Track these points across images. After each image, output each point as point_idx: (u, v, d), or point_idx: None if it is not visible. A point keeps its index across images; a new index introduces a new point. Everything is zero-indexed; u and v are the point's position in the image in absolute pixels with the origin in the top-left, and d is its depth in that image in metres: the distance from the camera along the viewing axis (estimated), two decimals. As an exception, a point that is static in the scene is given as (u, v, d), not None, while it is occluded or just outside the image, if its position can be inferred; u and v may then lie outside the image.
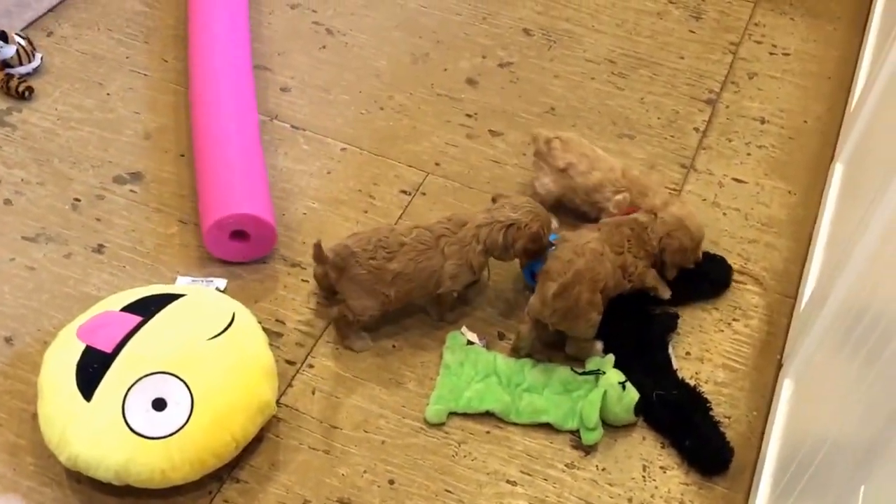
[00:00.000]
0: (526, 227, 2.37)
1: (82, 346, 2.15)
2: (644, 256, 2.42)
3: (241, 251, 2.57)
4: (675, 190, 2.83)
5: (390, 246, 2.36)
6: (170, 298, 2.27)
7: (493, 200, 2.48)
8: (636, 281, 2.42)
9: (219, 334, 2.21)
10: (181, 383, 2.11)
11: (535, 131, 2.71)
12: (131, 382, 2.09)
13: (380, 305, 2.38)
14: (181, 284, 2.46)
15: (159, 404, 2.08)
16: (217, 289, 2.50)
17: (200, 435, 2.10)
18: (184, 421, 2.08)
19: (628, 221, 2.44)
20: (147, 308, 2.24)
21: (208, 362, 2.17)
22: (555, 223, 2.49)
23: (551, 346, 2.43)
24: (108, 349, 2.14)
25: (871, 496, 1.28)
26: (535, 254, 2.41)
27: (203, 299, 2.33)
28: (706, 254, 2.62)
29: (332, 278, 2.39)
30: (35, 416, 2.23)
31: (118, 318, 2.22)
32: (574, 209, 2.68)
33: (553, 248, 2.39)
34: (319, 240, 2.36)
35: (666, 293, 2.48)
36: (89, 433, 2.06)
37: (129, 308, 2.24)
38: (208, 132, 2.70)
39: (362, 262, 2.34)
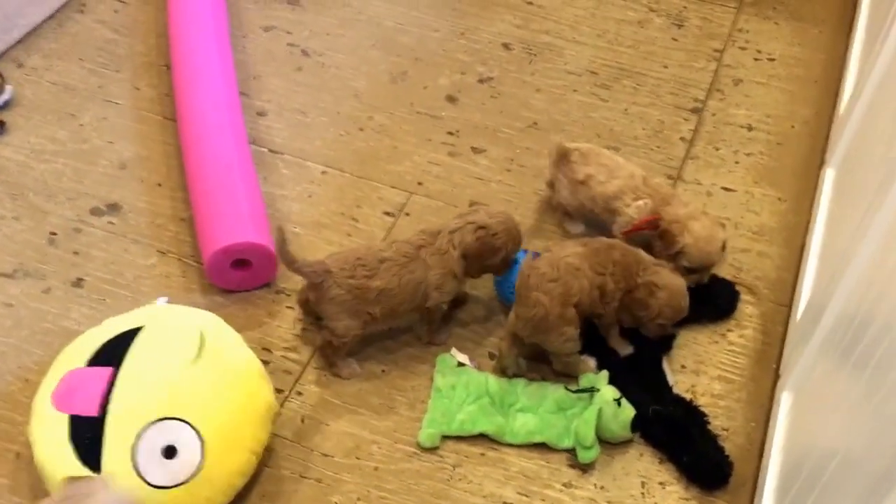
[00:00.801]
0: (493, 237, 2.35)
1: (66, 419, 2.06)
2: (624, 288, 2.35)
3: (239, 280, 2.53)
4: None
5: (369, 263, 2.31)
6: (129, 336, 2.16)
7: (470, 205, 2.46)
8: (608, 314, 2.37)
9: (196, 356, 2.12)
10: (183, 424, 2.05)
11: (554, 141, 2.65)
12: (133, 441, 2.02)
13: (362, 325, 2.33)
14: (121, 319, 2.32)
15: (170, 452, 2.02)
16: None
17: (221, 463, 2.06)
18: (199, 458, 2.03)
19: (621, 247, 2.38)
20: (112, 356, 2.13)
21: (199, 390, 2.10)
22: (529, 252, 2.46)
23: (540, 362, 2.39)
24: (94, 412, 2.04)
25: None
26: (481, 262, 2.38)
27: (162, 324, 2.22)
28: (713, 277, 2.58)
29: (311, 300, 2.34)
30: (19, 454, 2.20)
31: (88, 374, 2.11)
32: (593, 219, 2.65)
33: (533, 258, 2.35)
34: (282, 228, 2.28)
35: (625, 350, 2.43)
36: None
37: (94, 361, 2.13)
38: (209, 158, 2.65)
39: (340, 282, 2.29)
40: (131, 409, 2.06)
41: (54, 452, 2.05)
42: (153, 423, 2.04)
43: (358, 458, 2.25)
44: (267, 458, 2.22)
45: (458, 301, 2.50)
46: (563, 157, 2.62)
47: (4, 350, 2.41)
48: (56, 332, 2.45)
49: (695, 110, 3.08)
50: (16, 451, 2.22)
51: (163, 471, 2.02)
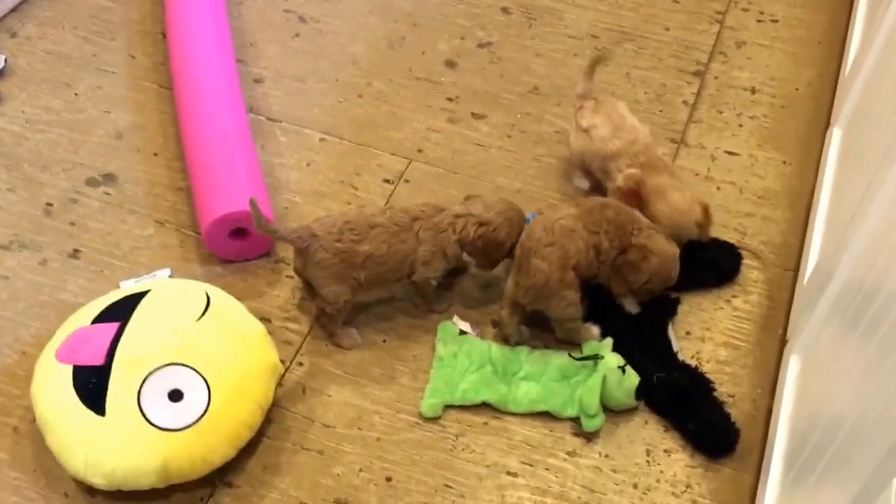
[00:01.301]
0: (493, 232, 2.32)
1: (70, 369, 2.07)
2: (618, 247, 2.32)
3: (238, 250, 2.51)
4: (666, 165, 2.77)
5: (358, 228, 2.27)
6: (137, 298, 2.20)
7: (466, 199, 2.42)
8: (602, 273, 2.34)
9: (203, 314, 2.17)
10: (189, 369, 2.07)
11: (579, 86, 2.63)
12: (139, 384, 2.04)
13: (350, 291, 2.30)
14: (126, 287, 2.37)
15: (176, 395, 2.04)
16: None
17: (227, 410, 2.07)
18: (206, 403, 2.05)
19: (615, 206, 2.35)
20: (119, 313, 2.16)
21: (206, 342, 2.13)
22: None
23: (543, 330, 2.36)
24: (100, 361, 2.07)
25: None
26: (491, 259, 2.37)
27: (170, 288, 2.27)
28: (715, 241, 2.55)
29: (299, 266, 2.32)
30: (16, 429, 2.18)
31: (94, 330, 2.14)
32: (593, 174, 2.62)
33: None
34: (253, 200, 2.23)
35: (633, 308, 2.40)
36: (118, 446, 2.00)
37: (101, 318, 2.16)
38: (206, 127, 2.62)
39: (327, 246, 2.26)
40: (137, 356, 2.07)
41: (57, 401, 2.05)
42: (159, 367, 2.06)
43: (360, 429, 2.23)
44: (268, 429, 2.20)
45: (459, 269, 2.47)
46: (578, 103, 2.60)
47: (1, 323, 2.39)
48: (53, 304, 2.42)
49: (697, 73, 3.04)
50: (13, 425, 2.20)
51: (168, 413, 2.02)
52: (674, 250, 2.34)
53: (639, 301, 2.37)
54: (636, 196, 2.46)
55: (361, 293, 2.34)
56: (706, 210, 2.47)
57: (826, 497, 1.55)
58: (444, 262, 2.34)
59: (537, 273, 2.22)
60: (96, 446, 1.99)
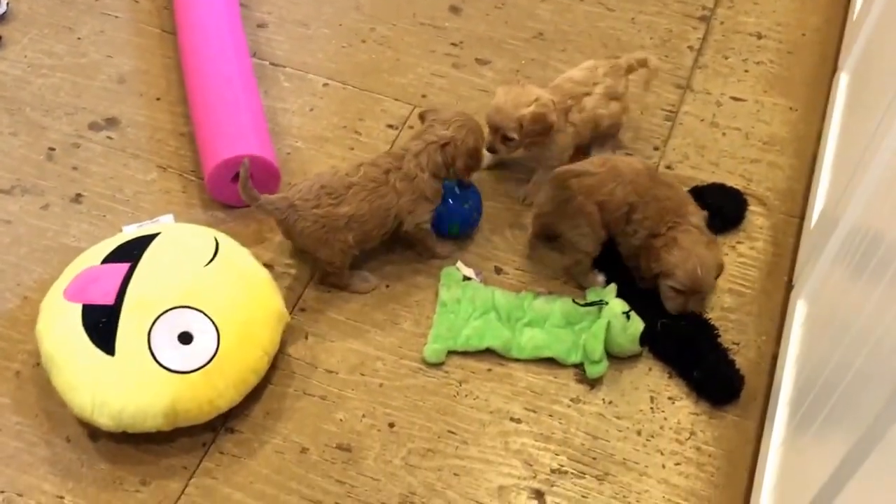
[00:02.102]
0: (462, 144, 2.30)
1: (79, 307, 2.07)
2: (648, 227, 2.29)
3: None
4: (671, 112, 2.74)
5: (335, 190, 2.25)
6: (147, 240, 2.19)
7: (421, 118, 2.39)
8: (625, 245, 2.37)
9: (211, 260, 2.17)
10: (198, 313, 2.07)
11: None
12: (149, 325, 2.04)
13: (340, 253, 2.29)
14: (128, 231, 2.36)
15: (185, 338, 2.05)
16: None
17: (235, 355, 2.07)
18: (214, 346, 2.05)
19: (673, 191, 2.33)
20: (129, 254, 2.16)
21: (215, 287, 2.13)
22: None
23: (548, 276, 2.36)
24: (110, 301, 2.06)
25: None
26: (472, 169, 2.35)
27: (180, 232, 2.27)
28: (720, 186, 2.54)
29: (284, 235, 2.32)
30: (19, 373, 2.19)
31: (104, 270, 2.13)
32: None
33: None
34: (246, 164, 2.19)
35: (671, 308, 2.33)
36: (127, 386, 2.00)
37: (110, 259, 2.15)
38: (209, 71, 2.60)
39: (305, 215, 2.24)
40: (148, 297, 2.08)
41: (65, 339, 2.05)
42: (169, 310, 2.06)
43: (362, 375, 2.23)
44: (270, 374, 2.20)
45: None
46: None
47: (3, 268, 2.38)
48: (56, 249, 2.41)
49: (703, 18, 3.01)
50: (15, 369, 2.20)
51: (178, 355, 2.03)
52: (707, 254, 2.25)
53: (669, 308, 2.30)
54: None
55: (353, 250, 2.32)
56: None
57: (829, 441, 1.55)
58: (429, 204, 2.32)
59: (565, 189, 2.25)
60: (105, 386, 1.99)
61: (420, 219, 2.32)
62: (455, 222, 2.42)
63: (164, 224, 2.35)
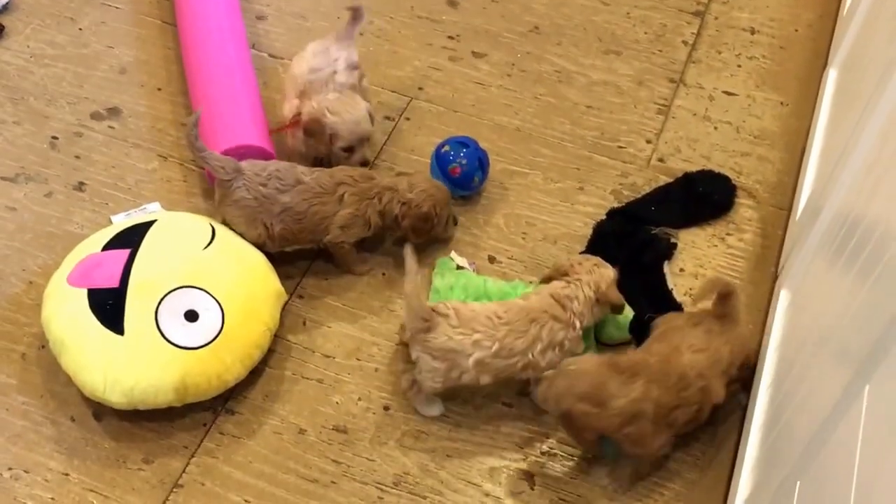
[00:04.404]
0: (416, 208, 2.32)
1: (84, 291, 2.12)
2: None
3: None
4: (664, 106, 2.79)
5: (286, 179, 2.29)
6: (144, 227, 2.24)
7: (397, 175, 2.44)
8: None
9: (210, 243, 2.23)
10: (202, 292, 2.13)
11: None
12: (156, 304, 2.09)
13: (258, 237, 2.31)
14: (118, 221, 2.41)
15: (192, 316, 2.10)
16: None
17: (240, 331, 2.14)
18: (220, 323, 2.11)
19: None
20: (129, 240, 2.21)
21: (215, 267, 2.19)
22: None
23: (539, 265, 2.40)
24: (115, 284, 2.12)
25: (876, 392, 1.28)
26: (423, 232, 2.36)
27: (176, 219, 2.32)
28: (710, 173, 2.58)
29: (216, 199, 2.33)
30: (24, 355, 2.23)
31: (106, 256, 2.18)
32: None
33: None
34: (196, 112, 2.27)
35: None
36: (138, 363, 2.05)
37: (111, 245, 2.20)
38: (209, 62, 2.65)
39: (250, 186, 2.28)
40: (152, 279, 2.13)
41: (74, 322, 2.10)
42: (174, 290, 2.12)
43: (359, 360, 2.28)
44: (269, 358, 2.25)
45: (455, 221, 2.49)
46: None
47: (8, 253, 2.43)
48: (59, 235, 2.46)
49: (697, 13, 3.05)
50: (21, 351, 2.25)
51: (185, 332, 2.08)
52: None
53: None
54: (295, 122, 2.47)
55: (271, 244, 2.34)
56: (363, 99, 2.50)
57: (806, 412, 1.60)
58: (363, 229, 2.34)
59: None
60: (116, 364, 2.04)
61: (347, 238, 2.34)
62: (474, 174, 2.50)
63: (158, 212, 2.40)
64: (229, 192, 2.28)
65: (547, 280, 2.21)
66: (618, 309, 2.17)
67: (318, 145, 2.46)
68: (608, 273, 2.17)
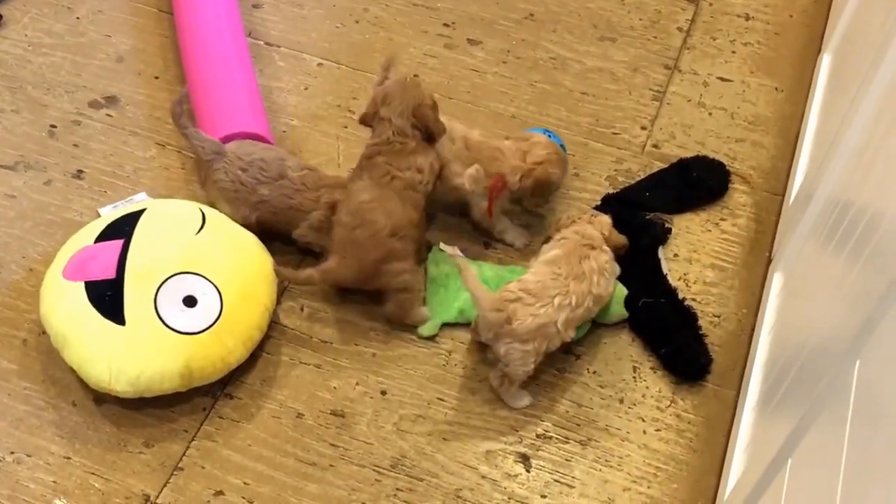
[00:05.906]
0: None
1: (81, 285, 2.13)
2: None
3: None
4: (659, 92, 2.80)
5: (270, 170, 2.30)
6: (135, 216, 2.25)
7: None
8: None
9: (201, 228, 2.24)
10: (199, 277, 2.15)
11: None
12: (154, 292, 2.11)
13: (242, 220, 2.33)
14: (106, 213, 2.41)
15: (190, 301, 2.12)
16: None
17: (240, 313, 2.16)
18: (219, 307, 2.13)
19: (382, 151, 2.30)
20: (121, 230, 2.22)
21: (209, 252, 2.21)
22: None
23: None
24: (111, 275, 2.13)
25: (867, 368, 1.30)
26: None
27: (166, 206, 2.33)
28: (705, 158, 2.60)
29: (199, 179, 2.35)
30: (25, 341, 2.25)
31: (99, 248, 2.19)
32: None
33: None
34: (183, 91, 2.30)
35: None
36: (141, 351, 2.07)
37: (103, 237, 2.22)
38: (206, 50, 2.66)
39: (230, 170, 2.29)
40: (148, 267, 2.15)
41: (74, 316, 2.11)
42: (171, 276, 2.14)
43: (356, 345, 2.30)
44: (267, 344, 2.27)
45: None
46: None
47: (8, 241, 2.45)
48: (59, 223, 2.48)
49: (692, 0, 3.06)
50: (22, 337, 2.27)
51: (185, 318, 2.10)
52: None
53: None
54: (502, 184, 2.38)
55: (251, 230, 2.33)
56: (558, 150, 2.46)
57: (798, 395, 1.62)
58: (324, 237, 2.32)
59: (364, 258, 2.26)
60: (120, 354, 2.06)
61: (314, 238, 2.34)
62: None
63: (146, 201, 2.40)
64: (210, 173, 2.31)
65: (547, 240, 2.28)
66: (621, 249, 2.28)
67: (538, 199, 2.46)
68: (605, 218, 2.28)
